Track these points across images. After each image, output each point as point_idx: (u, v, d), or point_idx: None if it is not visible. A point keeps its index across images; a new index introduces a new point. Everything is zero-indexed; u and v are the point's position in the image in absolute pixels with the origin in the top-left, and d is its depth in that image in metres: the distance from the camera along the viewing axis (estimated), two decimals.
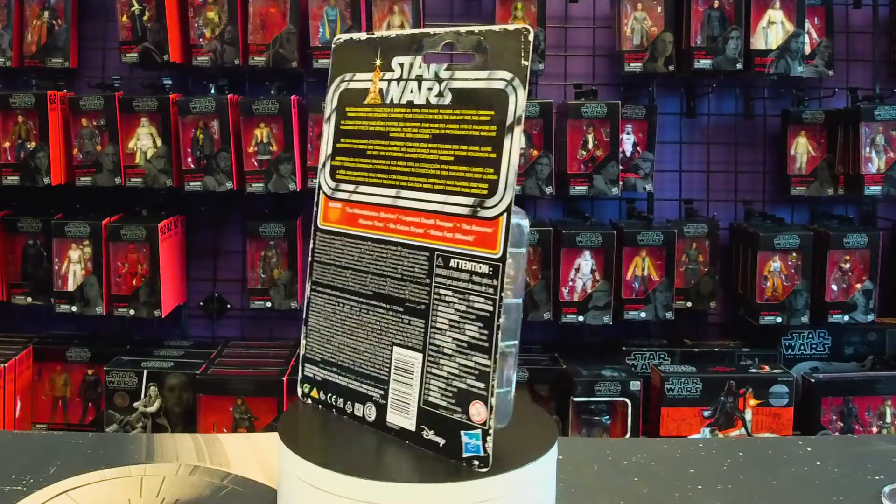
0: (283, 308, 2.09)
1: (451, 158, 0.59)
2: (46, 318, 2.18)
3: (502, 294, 0.56)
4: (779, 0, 2.02)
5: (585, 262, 2.04)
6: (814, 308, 2.05)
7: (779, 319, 2.04)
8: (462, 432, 0.57)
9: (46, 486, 0.68)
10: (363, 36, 0.66)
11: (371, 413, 0.63)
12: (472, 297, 0.57)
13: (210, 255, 2.26)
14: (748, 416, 1.94)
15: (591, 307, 2.04)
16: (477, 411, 0.57)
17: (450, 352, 0.58)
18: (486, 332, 0.56)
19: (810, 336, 2.18)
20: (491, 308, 0.56)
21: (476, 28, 0.60)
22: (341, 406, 0.65)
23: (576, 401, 1.95)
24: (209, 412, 1.95)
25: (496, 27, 0.58)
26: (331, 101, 0.67)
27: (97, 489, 0.68)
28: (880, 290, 2.08)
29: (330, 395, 0.66)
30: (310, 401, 0.67)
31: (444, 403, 0.58)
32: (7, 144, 2.03)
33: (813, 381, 1.99)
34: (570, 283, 2.05)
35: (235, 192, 2.04)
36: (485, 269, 0.57)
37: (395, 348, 0.61)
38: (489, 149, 0.57)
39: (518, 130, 0.56)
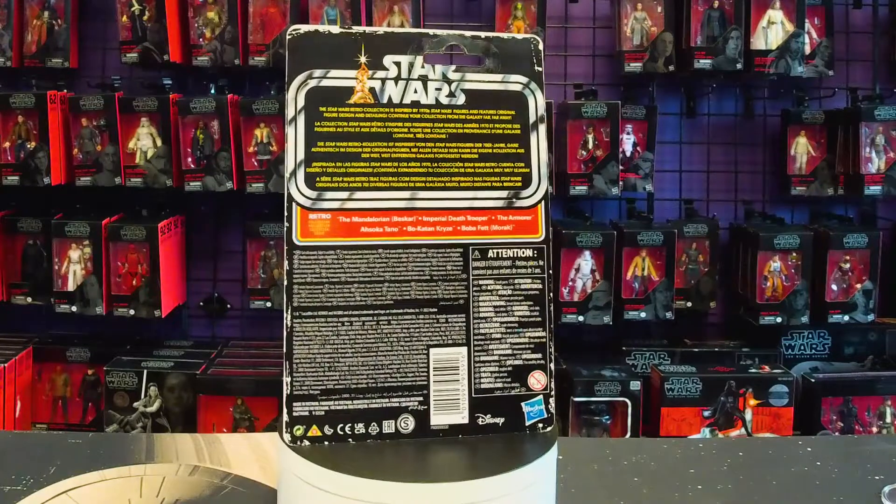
0: (283, 308, 2.09)
1: (476, 156, 0.62)
2: (46, 318, 2.18)
3: (550, 272, 0.63)
4: (779, 0, 2.02)
5: (585, 262, 2.04)
6: (814, 308, 2.04)
7: (779, 319, 2.04)
8: (522, 404, 0.62)
9: (46, 486, 0.68)
10: (335, 29, 0.61)
11: (408, 424, 0.61)
12: (517, 280, 0.62)
13: (210, 255, 2.26)
14: (748, 416, 1.94)
15: (591, 307, 2.04)
16: (537, 380, 0.62)
17: (498, 336, 0.62)
18: (537, 308, 0.62)
19: (810, 336, 2.18)
20: (540, 286, 0.63)
21: (483, 34, 0.63)
22: (361, 431, 0.60)
23: (576, 401, 1.95)
24: (209, 412, 1.95)
25: (505, 35, 0.64)
26: (294, 101, 0.60)
27: (97, 489, 0.68)
28: (880, 290, 2.08)
29: (342, 425, 0.60)
30: (307, 443, 0.59)
31: (499, 385, 0.62)
32: (7, 144, 2.03)
33: (813, 381, 1.99)
34: (570, 283, 2.05)
35: (235, 192, 2.04)
36: (529, 252, 0.63)
37: (433, 349, 0.61)
38: (516, 145, 0.63)
39: (542, 128, 0.63)
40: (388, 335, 0.60)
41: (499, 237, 0.62)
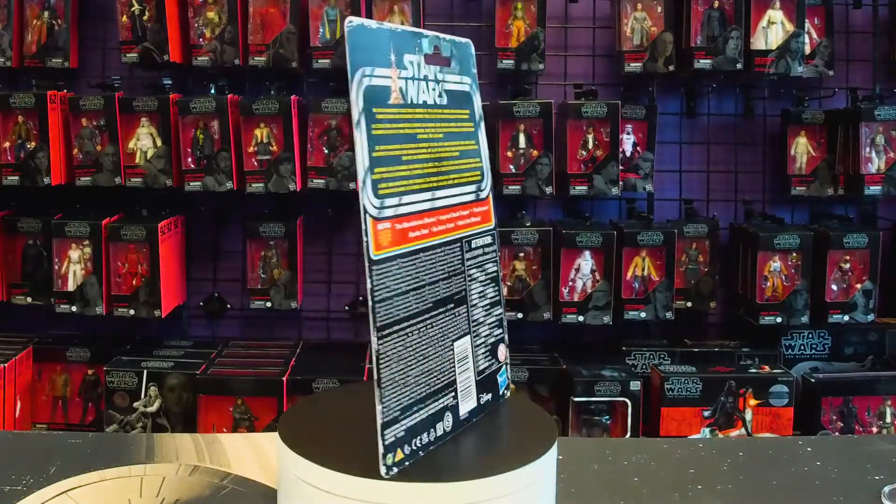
0: (283, 308, 2.09)
1: (458, 154, 0.65)
2: (46, 318, 2.17)
3: (498, 253, 0.69)
4: (779, 0, 2.02)
5: (585, 262, 2.04)
6: (814, 308, 2.04)
7: (779, 319, 2.04)
8: (497, 377, 0.67)
9: (46, 486, 0.68)
10: (373, 24, 0.58)
11: (449, 422, 0.61)
12: (486, 266, 0.67)
13: (210, 255, 2.26)
14: (748, 416, 1.94)
15: (591, 307, 2.04)
16: (501, 352, 0.68)
17: (482, 318, 0.66)
18: (497, 288, 0.68)
19: (810, 336, 2.18)
20: (496, 268, 0.68)
21: (447, 37, 0.66)
22: (425, 441, 0.58)
23: (576, 401, 1.94)
24: (209, 412, 1.95)
25: (456, 38, 0.67)
26: (357, 101, 0.55)
27: (97, 489, 0.68)
28: (880, 290, 2.07)
29: (415, 439, 0.57)
30: (395, 470, 0.55)
31: (486, 364, 0.66)
32: (7, 144, 2.03)
33: (813, 381, 1.99)
34: (570, 283, 2.05)
35: (235, 192, 2.04)
36: (488, 239, 0.68)
37: (454, 343, 0.62)
38: (472, 142, 0.68)
39: (483, 125, 0.70)
40: (431, 338, 0.60)
41: (474, 228, 0.66)
